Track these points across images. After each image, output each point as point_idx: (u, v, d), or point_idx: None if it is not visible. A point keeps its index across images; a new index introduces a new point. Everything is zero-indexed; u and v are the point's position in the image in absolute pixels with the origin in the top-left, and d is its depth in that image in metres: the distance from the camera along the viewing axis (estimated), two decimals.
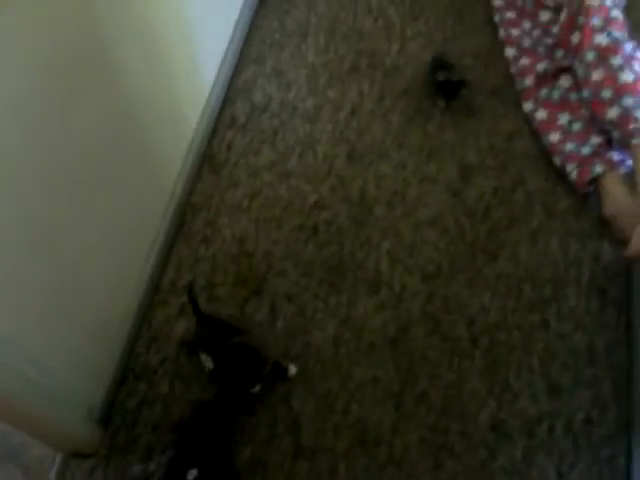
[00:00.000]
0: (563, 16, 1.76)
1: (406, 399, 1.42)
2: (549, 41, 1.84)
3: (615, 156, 1.64)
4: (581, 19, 1.69)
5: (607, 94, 1.61)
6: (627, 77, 1.60)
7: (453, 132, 1.80)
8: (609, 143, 1.67)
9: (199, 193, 1.70)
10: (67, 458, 1.32)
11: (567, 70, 1.78)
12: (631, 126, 1.56)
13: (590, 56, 1.66)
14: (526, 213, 1.68)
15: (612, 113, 1.60)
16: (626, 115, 1.58)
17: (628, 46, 1.65)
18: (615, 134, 1.62)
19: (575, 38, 1.70)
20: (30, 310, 1.11)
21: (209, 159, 1.75)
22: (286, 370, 1.42)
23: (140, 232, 1.51)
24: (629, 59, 1.63)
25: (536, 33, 1.88)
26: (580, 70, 1.69)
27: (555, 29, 1.82)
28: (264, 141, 1.78)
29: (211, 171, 1.73)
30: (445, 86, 1.80)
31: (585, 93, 1.68)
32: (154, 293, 1.55)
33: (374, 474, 1.34)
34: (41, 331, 1.16)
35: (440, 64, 1.83)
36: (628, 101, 1.58)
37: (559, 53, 1.81)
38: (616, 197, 1.60)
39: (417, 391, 1.43)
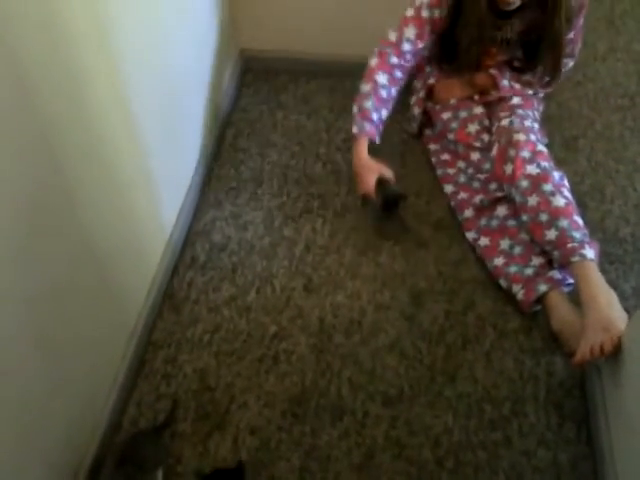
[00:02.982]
0: (494, 151, 1.95)
1: None
2: (482, 176, 2.01)
3: (556, 275, 1.76)
4: (512, 152, 1.87)
5: (543, 217, 1.75)
6: (559, 202, 1.76)
7: (403, 262, 1.90)
8: (549, 263, 1.79)
9: (160, 330, 1.72)
10: None
11: (502, 200, 1.94)
12: (569, 245, 1.69)
13: (524, 184, 1.81)
14: (479, 334, 1.74)
15: (550, 235, 1.73)
16: (563, 236, 1.71)
17: (556, 174, 1.83)
18: (555, 254, 1.74)
19: (508, 169, 1.87)
20: None
21: (170, 297, 1.80)
22: None
23: (100, 370, 1.51)
24: (558, 186, 1.80)
25: (470, 171, 2.06)
26: (517, 197, 1.84)
27: (486, 166, 2.01)
28: (223, 278, 1.84)
29: (172, 309, 1.77)
30: (385, 201, 1.93)
31: (524, 217, 1.82)
32: (114, 432, 1.52)
33: None
34: None
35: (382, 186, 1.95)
36: (563, 223, 1.73)
37: (492, 186, 1.98)
38: (561, 314, 1.69)
39: None
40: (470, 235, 1.95)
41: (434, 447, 1.51)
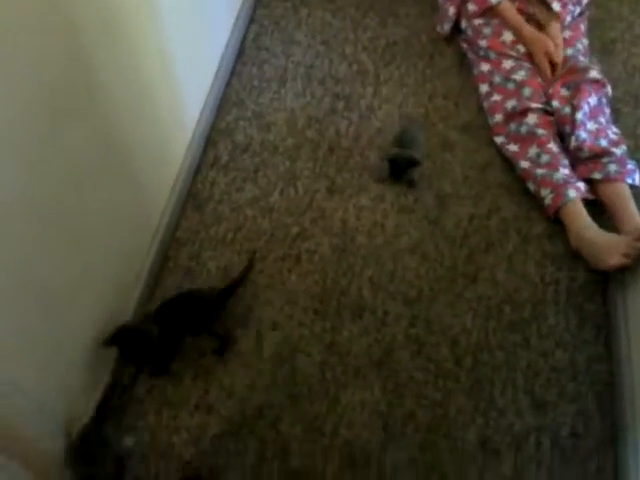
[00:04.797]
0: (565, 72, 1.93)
1: (393, 420, 1.42)
2: (518, 78, 1.93)
3: (584, 186, 1.73)
4: (587, 89, 1.89)
5: (603, 143, 1.81)
6: (616, 131, 1.87)
7: (429, 165, 1.87)
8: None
9: (183, 229, 1.74)
10: None
11: (533, 110, 1.87)
12: (629, 166, 1.76)
13: (580, 116, 1.84)
14: (502, 238, 1.73)
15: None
16: (622, 157, 1.78)
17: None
18: (609, 163, 1.77)
19: (565, 93, 1.90)
20: (17, 343, 1.13)
21: (193, 197, 1.80)
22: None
23: (126, 264, 1.54)
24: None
25: (502, 74, 1.98)
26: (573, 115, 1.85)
27: (521, 72, 1.93)
28: (246, 178, 1.83)
29: (195, 208, 1.78)
30: (394, 164, 1.81)
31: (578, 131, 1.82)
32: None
33: None
34: (30, 364, 1.17)
35: (402, 140, 1.85)
36: (622, 149, 1.82)
37: (526, 92, 1.90)
38: (580, 232, 1.68)
39: (404, 411, 1.44)
40: (499, 140, 1.90)
41: (453, 346, 1.54)
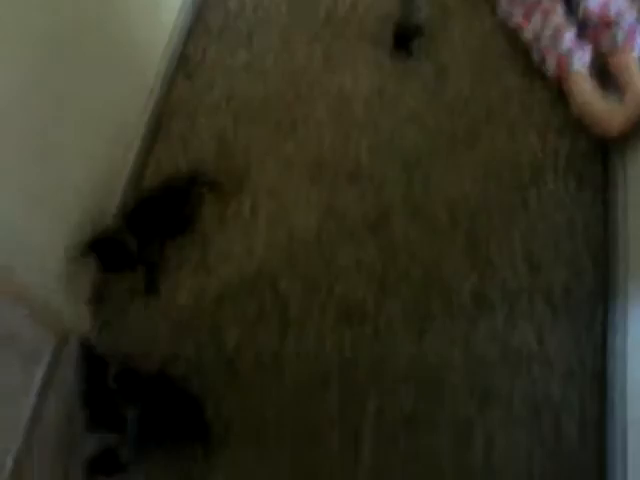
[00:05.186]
0: None
1: (388, 278, 1.44)
2: None
3: (587, 56, 1.68)
4: None
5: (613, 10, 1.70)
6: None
7: (429, 35, 1.79)
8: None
9: (176, 95, 1.69)
10: (61, 340, 1.32)
11: None
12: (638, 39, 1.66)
13: None
14: (503, 107, 1.69)
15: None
16: (631, 26, 1.67)
17: None
18: (618, 32, 1.67)
19: None
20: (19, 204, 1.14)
21: (185, 62, 1.74)
22: None
23: (120, 129, 1.51)
24: None
25: None
26: None
27: None
28: (239, 44, 1.77)
29: (187, 74, 1.72)
30: (400, 33, 1.76)
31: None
32: (134, 193, 1.55)
33: (360, 347, 1.36)
34: (30, 219, 1.18)
35: (406, 8, 1.79)
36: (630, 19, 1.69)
37: None
38: (584, 98, 1.64)
39: (399, 270, 1.45)
40: (503, 8, 1.82)
41: (450, 209, 1.53)
